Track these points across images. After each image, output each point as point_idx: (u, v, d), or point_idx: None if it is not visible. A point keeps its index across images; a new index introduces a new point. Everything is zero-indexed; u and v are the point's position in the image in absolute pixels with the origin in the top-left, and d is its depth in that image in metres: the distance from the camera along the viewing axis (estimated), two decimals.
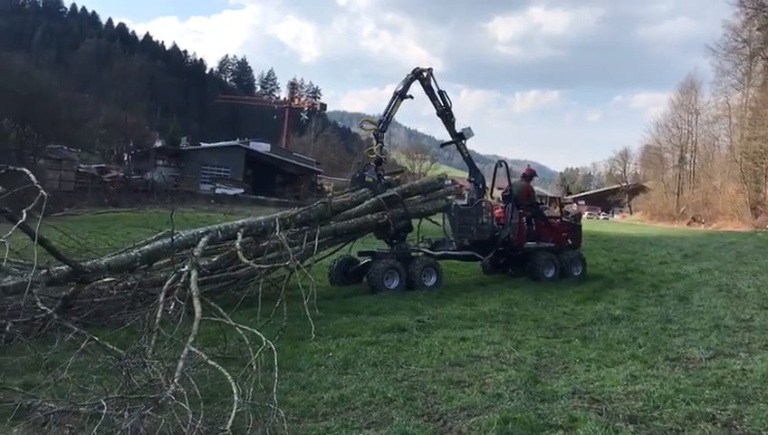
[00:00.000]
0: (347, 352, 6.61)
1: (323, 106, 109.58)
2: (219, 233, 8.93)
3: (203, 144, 68.58)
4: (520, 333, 7.86)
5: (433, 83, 12.82)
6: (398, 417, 4.84)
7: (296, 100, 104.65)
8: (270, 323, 6.87)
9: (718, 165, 66.69)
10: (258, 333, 5.41)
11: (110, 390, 4.64)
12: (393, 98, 12.48)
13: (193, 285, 6.46)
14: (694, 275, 14.34)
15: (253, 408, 4.48)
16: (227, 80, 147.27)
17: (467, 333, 7.72)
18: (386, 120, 12.46)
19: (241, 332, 5.62)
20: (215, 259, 8.96)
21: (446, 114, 13.09)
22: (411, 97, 12.69)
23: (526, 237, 13.31)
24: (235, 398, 4.35)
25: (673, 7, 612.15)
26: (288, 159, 68.24)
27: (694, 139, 73.44)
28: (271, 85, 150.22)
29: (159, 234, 8.95)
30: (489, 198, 13.52)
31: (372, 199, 11.45)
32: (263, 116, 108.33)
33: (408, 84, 12.55)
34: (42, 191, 5.73)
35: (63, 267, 7.25)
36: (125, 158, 62.30)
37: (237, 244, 8.52)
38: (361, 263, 11.68)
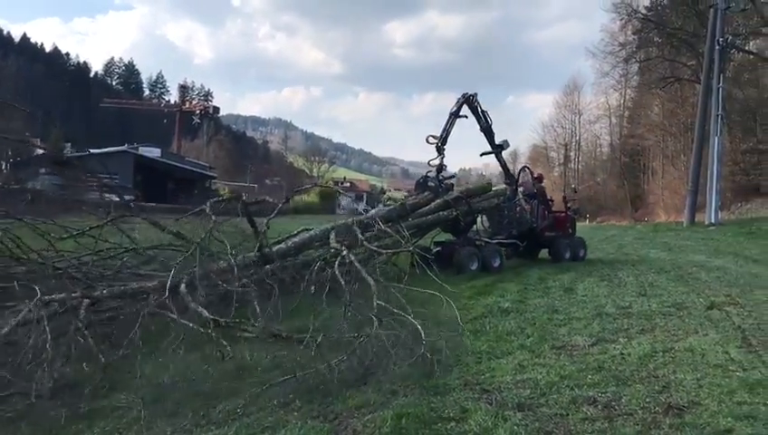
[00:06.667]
0: (243, 359, 6.51)
1: (216, 109, 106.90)
2: (342, 228, 11.13)
3: (89, 150, 65.47)
4: None
5: (478, 105, 15.31)
6: (293, 420, 4.84)
7: (187, 103, 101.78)
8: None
9: (600, 162, 70.48)
10: (438, 294, 7.64)
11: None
12: (449, 118, 14.78)
13: (357, 264, 8.16)
14: (578, 266, 15.02)
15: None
16: (114, 83, 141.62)
17: None
18: (444, 136, 14.56)
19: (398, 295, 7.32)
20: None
21: (488, 130, 15.63)
22: (465, 117, 15.08)
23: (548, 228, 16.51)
24: (423, 335, 6.23)
25: (562, 11, 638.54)
26: (180, 164, 66.38)
27: (577, 138, 77.36)
28: (160, 88, 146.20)
29: (300, 230, 11.57)
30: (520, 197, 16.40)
31: (439, 201, 14.00)
32: (153, 121, 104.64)
33: (460, 106, 14.91)
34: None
35: (252, 254, 9.66)
36: (2, 167, 58.56)
37: (359, 234, 10.37)
38: (433, 251, 13.81)
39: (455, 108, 14.92)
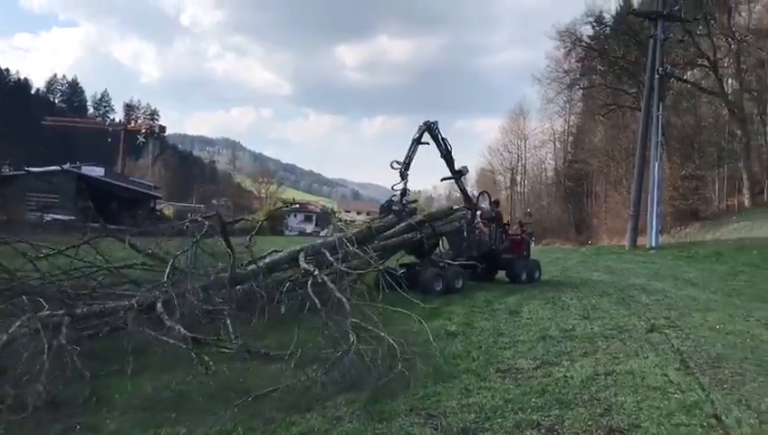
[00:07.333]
0: (183, 385, 6.35)
1: (162, 129, 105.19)
2: (311, 249, 11.48)
3: (28, 169, 63.45)
4: None
5: (438, 133, 15.89)
6: None
7: (133, 122, 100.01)
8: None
9: (546, 186, 71.91)
10: (407, 312, 8.57)
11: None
12: (411, 144, 15.27)
13: (329, 284, 8.55)
14: (524, 289, 15.17)
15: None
16: (56, 101, 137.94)
17: None
18: (407, 162, 15.01)
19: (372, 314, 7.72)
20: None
21: (448, 157, 16.21)
22: (427, 143, 15.59)
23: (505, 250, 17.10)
24: (398, 351, 6.76)
25: (509, 38, 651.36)
26: (124, 183, 64.99)
27: (523, 162, 78.87)
28: (105, 107, 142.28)
29: (269, 251, 11.75)
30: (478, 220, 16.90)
31: (403, 224, 14.41)
32: (97, 139, 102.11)
33: (421, 133, 15.42)
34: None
35: (225, 274, 9.63)
36: None
37: (328, 256, 10.63)
38: (399, 272, 13.59)
39: (417, 135, 15.40)
